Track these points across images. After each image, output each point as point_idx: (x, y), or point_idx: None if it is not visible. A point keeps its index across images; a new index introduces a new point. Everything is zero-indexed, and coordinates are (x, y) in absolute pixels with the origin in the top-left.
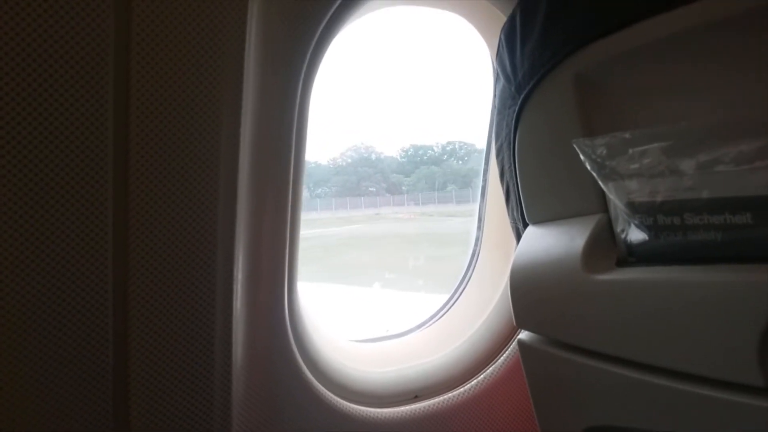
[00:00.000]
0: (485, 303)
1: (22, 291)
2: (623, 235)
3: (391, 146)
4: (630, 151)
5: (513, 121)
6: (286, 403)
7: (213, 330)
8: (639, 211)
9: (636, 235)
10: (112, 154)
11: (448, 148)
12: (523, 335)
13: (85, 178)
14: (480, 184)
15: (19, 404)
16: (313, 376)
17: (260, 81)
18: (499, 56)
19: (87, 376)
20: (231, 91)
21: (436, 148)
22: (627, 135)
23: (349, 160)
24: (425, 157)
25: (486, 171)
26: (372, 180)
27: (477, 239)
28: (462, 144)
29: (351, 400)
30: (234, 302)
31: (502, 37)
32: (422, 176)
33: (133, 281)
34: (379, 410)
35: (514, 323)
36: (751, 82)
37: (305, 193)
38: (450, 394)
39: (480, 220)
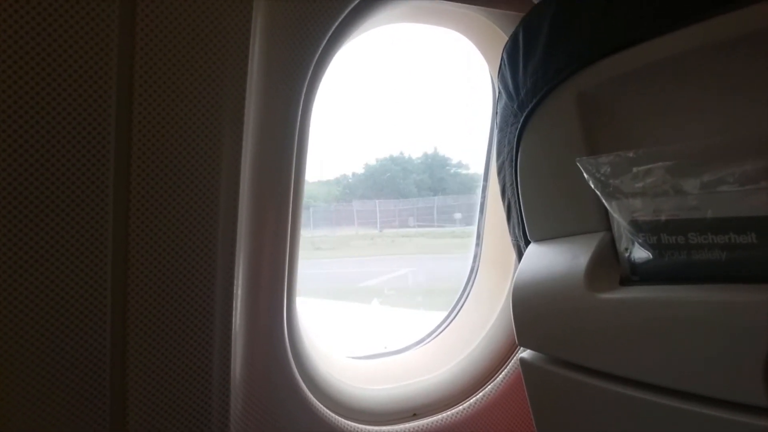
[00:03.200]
0: (484, 320)
1: (19, 294)
2: (627, 254)
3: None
4: (634, 169)
5: (515, 139)
6: (284, 420)
7: (212, 345)
8: (643, 229)
9: (639, 253)
10: (113, 167)
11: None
12: (525, 353)
13: (86, 187)
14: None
15: (15, 407)
16: (312, 393)
17: (263, 95)
18: (501, 74)
19: (84, 388)
20: (233, 104)
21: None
22: (631, 154)
23: None
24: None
25: (485, 188)
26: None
27: (475, 256)
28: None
29: (349, 417)
30: (233, 318)
31: (505, 55)
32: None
33: (132, 296)
34: (377, 428)
35: (516, 341)
36: (755, 103)
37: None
38: (449, 412)
39: (479, 236)
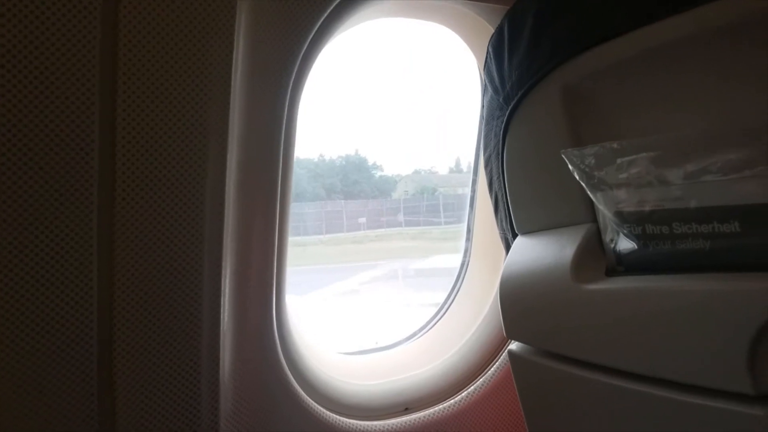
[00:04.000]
0: (475, 314)
1: (3, 294)
2: (612, 245)
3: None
4: (618, 160)
5: (501, 132)
6: (274, 416)
7: (200, 343)
8: (628, 220)
9: (625, 244)
10: (98, 166)
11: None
12: (513, 346)
13: (70, 187)
14: (468, 194)
15: (1, 407)
16: (302, 388)
17: (248, 92)
18: (486, 67)
19: (71, 387)
20: (218, 101)
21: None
22: (615, 145)
23: None
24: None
25: (474, 181)
26: None
27: (466, 250)
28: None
29: (340, 413)
30: (221, 314)
31: (490, 48)
32: None
33: (118, 293)
34: (368, 423)
35: (504, 334)
36: (737, 92)
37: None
38: (440, 406)
39: (469, 230)
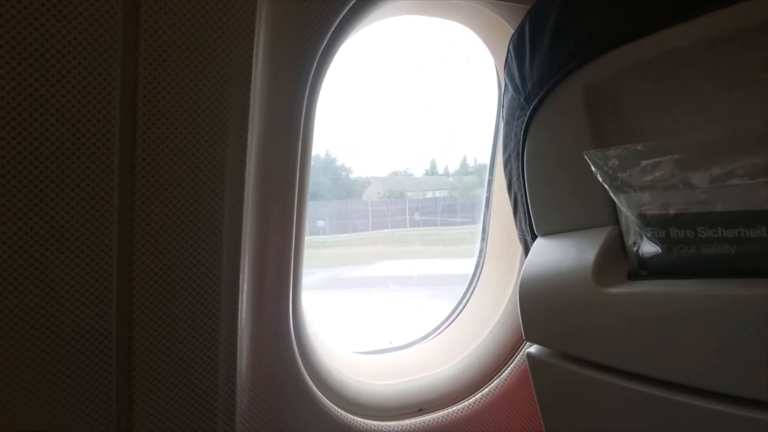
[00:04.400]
0: (490, 315)
1: (24, 294)
2: (635, 248)
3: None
4: (642, 163)
5: (522, 132)
6: (290, 416)
7: (217, 340)
8: (651, 223)
9: (648, 247)
10: (118, 164)
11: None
12: (532, 348)
13: (90, 183)
14: (484, 195)
15: (21, 406)
16: (317, 388)
17: (267, 90)
18: (507, 67)
19: (90, 384)
20: (238, 100)
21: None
22: (639, 147)
23: None
24: None
25: (491, 182)
26: None
27: (481, 251)
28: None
29: (355, 413)
30: (239, 313)
31: (511, 47)
32: None
33: (137, 290)
34: (383, 423)
35: (523, 336)
36: (764, 94)
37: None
38: (455, 408)
39: (484, 231)
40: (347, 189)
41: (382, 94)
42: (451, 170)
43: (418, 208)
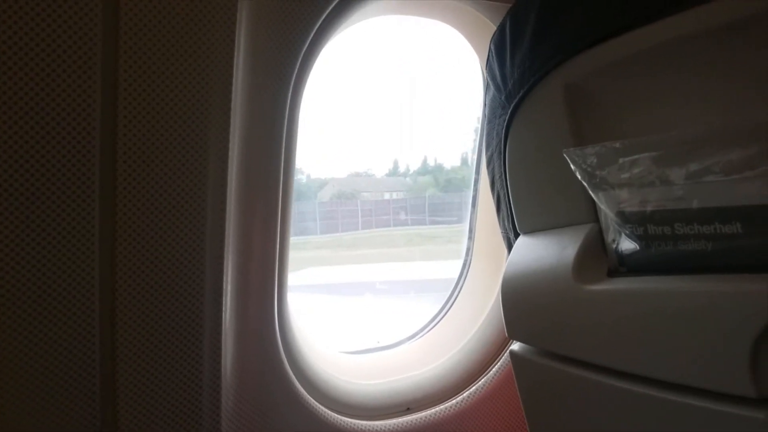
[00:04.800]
0: (477, 314)
1: (4, 294)
2: (614, 245)
3: None
4: (620, 160)
5: (503, 131)
6: (276, 416)
7: (202, 342)
8: (629, 220)
9: (627, 244)
10: (99, 165)
11: None
12: (515, 346)
13: (71, 186)
14: (471, 194)
15: (3, 408)
16: (304, 388)
17: (249, 90)
18: (489, 65)
19: (74, 386)
20: (220, 101)
21: None
22: (617, 144)
23: None
24: None
25: (476, 181)
26: None
27: (468, 249)
28: None
29: (342, 412)
30: (223, 314)
31: (492, 46)
32: None
33: (120, 292)
34: (370, 423)
35: (506, 334)
36: (740, 91)
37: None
38: (442, 406)
39: (471, 230)
40: (297, 191)
41: (350, 95)
42: (413, 170)
43: (372, 210)
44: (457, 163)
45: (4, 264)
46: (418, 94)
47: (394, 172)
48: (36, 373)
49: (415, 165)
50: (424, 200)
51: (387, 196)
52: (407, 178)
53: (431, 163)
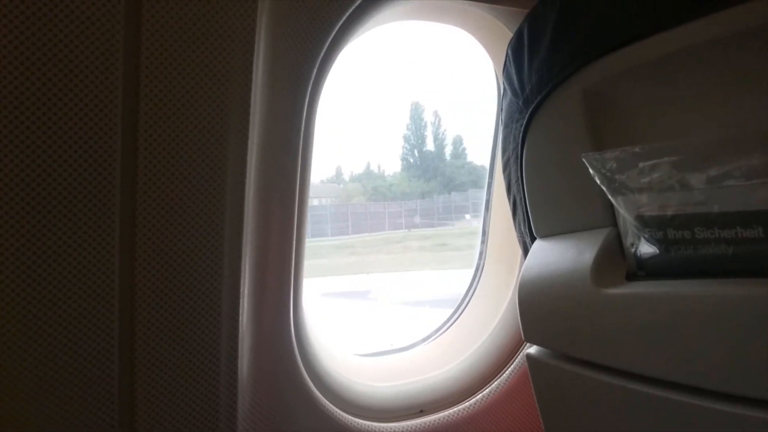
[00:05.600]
0: (490, 317)
1: (27, 295)
2: (633, 249)
3: None
4: (640, 165)
5: (520, 135)
6: (291, 418)
7: (219, 343)
8: (649, 225)
9: (646, 248)
10: (120, 168)
11: None
12: (532, 350)
13: (93, 187)
14: (484, 198)
15: (23, 407)
16: (319, 390)
17: (268, 94)
18: (506, 70)
19: (93, 386)
20: (239, 103)
21: None
22: (637, 149)
23: None
24: None
25: (490, 185)
26: None
27: (481, 253)
28: None
29: (356, 414)
30: (240, 317)
31: (509, 51)
32: None
33: (139, 296)
34: (384, 425)
35: (523, 337)
36: (760, 96)
37: None
38: (455, 409)
39: (484, 233)
40: None
41: None
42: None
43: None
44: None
45: (26, 265)
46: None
47: (338, 178)
48: (55, 374)
49: (359, 170)
50: (353, 207)
51: (316, 202)
52: (340, 185)
53: (375, 169)
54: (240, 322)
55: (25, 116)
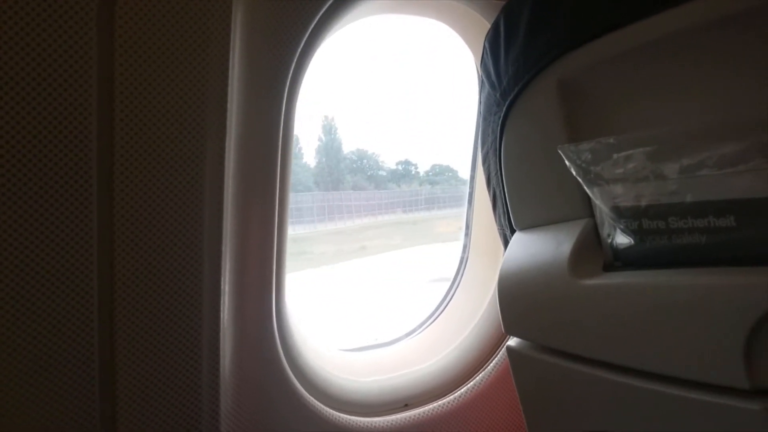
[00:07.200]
0: (474, 310)
1: (3, 296)
2: (609, 240)
3: None
4: (615, 156)
5: (498, 128)
6: (275, 415)
7: (200, 341)
8: (624, 215)
9: (622, 239)
10: (96, 167)
11: None
12: (512, 342)
13: (69, 187)
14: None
15: (2, 412)
16: (303, 386)
17: (245, 89)
18: (483, 63)
19: (73, 387)
20: (216, 100)
21: None
22: (611, 140)
23: None
24: None
25: (473, 177)
26: None
27: (465, 246)
28: None
29: (341, 409)
30: (221, 313)
31: (486, 44)
32: None
33: (118, 293)
34: (369, 419)
35: (503, 330)
36: (734, 85)
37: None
38: (440, 402)
39: (468, 227)
40: None
41: None
42: None
43: None
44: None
45: (2, 264)
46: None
47: None
48: (35, 373)
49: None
50: None
51: None
52: None
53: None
54: (221, 321)
55: None
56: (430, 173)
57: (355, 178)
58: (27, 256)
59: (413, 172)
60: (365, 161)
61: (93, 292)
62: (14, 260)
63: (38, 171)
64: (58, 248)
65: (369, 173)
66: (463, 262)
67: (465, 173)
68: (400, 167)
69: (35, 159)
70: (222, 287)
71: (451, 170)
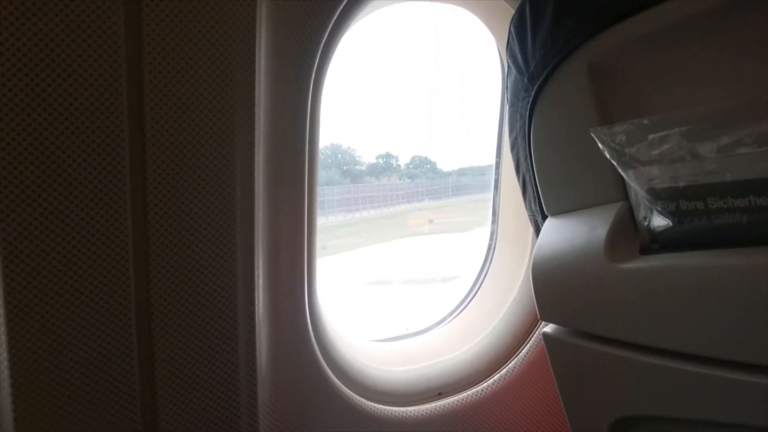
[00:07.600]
0: (504, 297)
1: (42, 296)
2: (646, 222)
3: None
4: (649, 137)
5: (527, 113)
6: (311, 407)
7: (236, 336)
8: (661, 197)
9: (659, 221)
10: (129, 164)
11: None
12: (548, 328)
13: (103, 186)
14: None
15: (44, 408)
16: (337, 378)
17: (272, 82)
18: (509, 48)
19: (113, 384)
20: (243, 93)
21: None
22: (646, 121)
23: None
24: None
25: (498, 164)
26: None
27: (492, 233)
28: None
29: (375, 400)
30: (256, 308)
31: (512, 28)
32: None
33: (154, 290)
34: (403, 409)
35: (538, 316)
36: (766, 64)
37: None
38: (474, 390)
39: (494, 213)
40: None
41: None
42: None
43: None
44: None
45: (41, 265)
46: None
47: None
48: (75, 372)
49: None
50: None
51: None
52: None
53: None
54: (256, 314)
55: (31, 120)
56: (410, 165)
57: (329, 173)
58: (63, 255)
59: (394, 165)
60: (340, 156)
61: (129, 291)
62: (51, 260)
63: (72, 172)
64: (94, 248)
65: (345, 168)
66: (490, 249)
67: (443, 165)
68: (380, 161)
69: (69, 160)
70: (256, 281)
71: (430, 162)
